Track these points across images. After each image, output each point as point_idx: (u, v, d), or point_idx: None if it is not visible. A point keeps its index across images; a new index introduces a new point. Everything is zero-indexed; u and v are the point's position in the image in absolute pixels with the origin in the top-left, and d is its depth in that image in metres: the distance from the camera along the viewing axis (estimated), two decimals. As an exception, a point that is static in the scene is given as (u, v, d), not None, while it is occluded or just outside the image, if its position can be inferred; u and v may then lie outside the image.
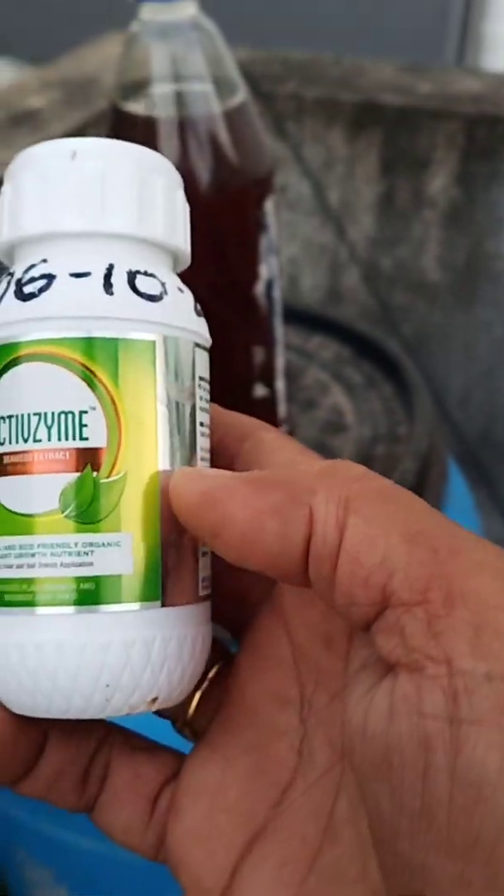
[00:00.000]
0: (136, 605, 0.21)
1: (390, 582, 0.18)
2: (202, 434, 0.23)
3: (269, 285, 0.47)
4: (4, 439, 0.21)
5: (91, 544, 0.20)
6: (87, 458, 0.21)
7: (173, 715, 0.24)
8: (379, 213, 0.88)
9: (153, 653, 0.21)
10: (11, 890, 0.67)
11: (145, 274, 0.22)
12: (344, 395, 0.58)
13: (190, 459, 0.22)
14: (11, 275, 0.22)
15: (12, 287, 0.21)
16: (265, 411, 0.50)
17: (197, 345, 0.23)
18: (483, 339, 0.90)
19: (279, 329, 0.49)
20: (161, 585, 0.21)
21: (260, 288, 0.46)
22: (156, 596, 0.21)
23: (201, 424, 0.23)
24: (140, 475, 0.21)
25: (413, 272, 0.89)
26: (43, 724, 0.22)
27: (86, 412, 0.21)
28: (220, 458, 0.24)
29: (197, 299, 0.45)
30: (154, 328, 0.21)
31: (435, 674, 0.17)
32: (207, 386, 0.23)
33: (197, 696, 0.24)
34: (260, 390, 0.49)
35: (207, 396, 0.23)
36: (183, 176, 0.41)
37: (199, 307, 0.23)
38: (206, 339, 0.23)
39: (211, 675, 0.24)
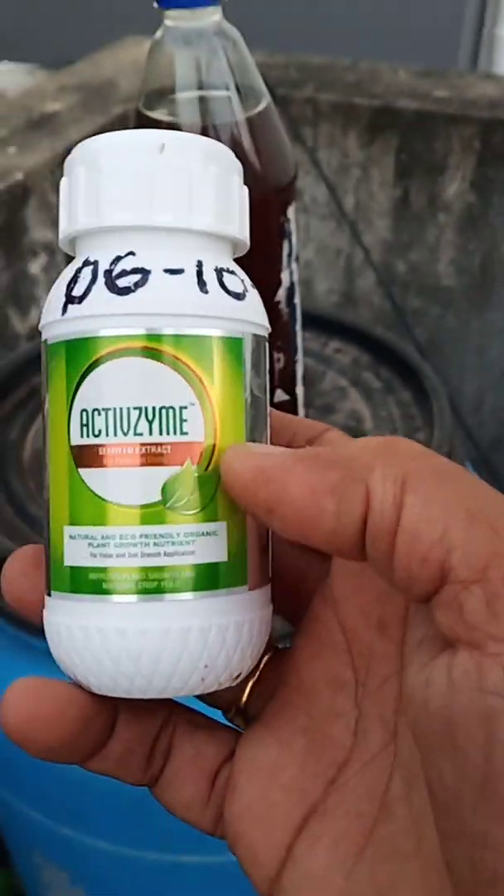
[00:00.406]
0: (229, 591, 0.22)
1: (448, 559, 0.18)
2: (269, 425, 0.23)
3: (291, 292, 0.47)
4: (100, 431, 0.21)
5: (192, 534, 0.21)
6: (188, 452, 0.21)
7: (226, 704, 0.25)
8: (394, 218, 0.88)
9: (243, 635, 0.22)
10: (27, 893, 0.67)
11: (229, 271, 0.22)
12: (362, 400, 0.58)
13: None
14: (91, 263, 0.22)
15: (101, 278, 0.21)
16: (285, 417, 0.50)
17: (266, 339, 0.23)
18: (497, 343, 0.90)
19: (299, 335, 0.50)
20: (247, 571, 0.22)
21: (282, 295, 0.46)
22: (244, 581, 0.22)
23: (268, 415, 0.23)
24: None
25: (427, 276, 0.89)
26: (115, 704, 0.23)
27: (185, 408, 0.21)
28: None
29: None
30: (242, 326, 0.22)
31: (496, 651, 0.17)
32: (268, 376, 0.24)
33: (249, 685, 0.25)
34: (280, 395, 0.49)
35: (267, 385, 0.24)
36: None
37: None
38: (267, 330, 0.24)
39: (262, 664, 0.25)
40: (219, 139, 0.41)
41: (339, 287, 0.93)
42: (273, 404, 0.49)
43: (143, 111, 0.43)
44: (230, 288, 0.22)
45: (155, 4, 0.40)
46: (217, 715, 0.25)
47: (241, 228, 0.23)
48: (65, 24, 1.29)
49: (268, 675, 0.25)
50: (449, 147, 0.83)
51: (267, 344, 0.23)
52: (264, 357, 0.23)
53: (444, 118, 0.82)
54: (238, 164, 0.24)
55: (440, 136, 0.83)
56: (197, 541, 0.21)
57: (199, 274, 0.22)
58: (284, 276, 0.46)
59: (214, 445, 0.22)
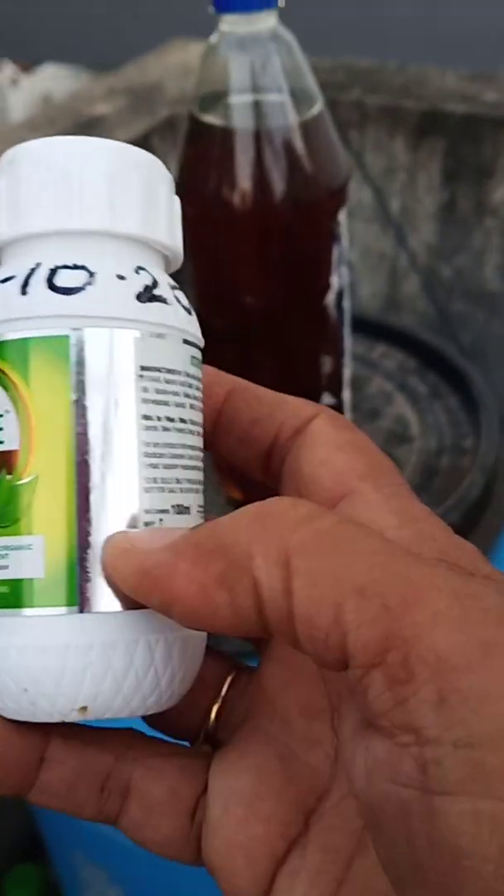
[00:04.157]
0: (50, 610, 0.20)
1: (346, 643, 0.17)
2: (148, 427, 0.21)
3: (340, 296, 0.47)
4: None
5: (6, 547, 0.20)
6: (2, 462, 0.20)
7: (187, 733, 0.24)
8: (440, 222, 0.87)
9: (72, 660, 0.20)
10: (65, 890, 0.68)
11: (73, 267, 0.21)
12: (408, 405, 0.58)
13: (125, 454, 0.21)
14: None
15: None
16: (331, 421, 0.50)
17: (146, 334, 0.21)
18: (542, 349, 0.89)
19: (347, 339, 0.49)
20: (78, 590, 0.20)
21: (330, 298, 0.46)
22: (73, 601, 0.20)
23: (146, 418, 0.21)
24: (54, 476, 0.20)
25: (473, 281, 0.88)
26: (34, 733, 0.22)
27: (1, 416, 0.20)
28: (276, 454, 0.23)
29: (269, 309, 0.45)
30: (69, 322, 0.21)
31: (405, 742, 0.17)
32: (166, 376, 0.21)
33: (215, 709, 0.24)
34: (327, 399, 0.49)
35: (170, 388, 0.22)
36: (259, 187, 0.42)
37: (161, 293, 0.22)
38: (159, 325, 0.21)
39: (224, 688, 0.24)
40: (272, 143, 0.42)
41: (382, 291, 0.92)
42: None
43: (197, 115, 0.43)
44: (60, 284, 0.21)
45: (211, 9, 0.40)
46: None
47: (110, 218, 0.22)
48: (108, 26, 1.30)
49: (234, 698, 0.24)
50: (497, 151, 0.82)
51: (150, 337, 0.21)
52: (132, 351, 0.21)
53: (493, 122, 0.81)
54: (107, 152, 0.22)
55: (488, 140, 0.82)
56: (11, 554, 0.20)
57: (28, 276, 0.21)
58: (334, 280, 0.46)
59: (31, 454, 0.20)
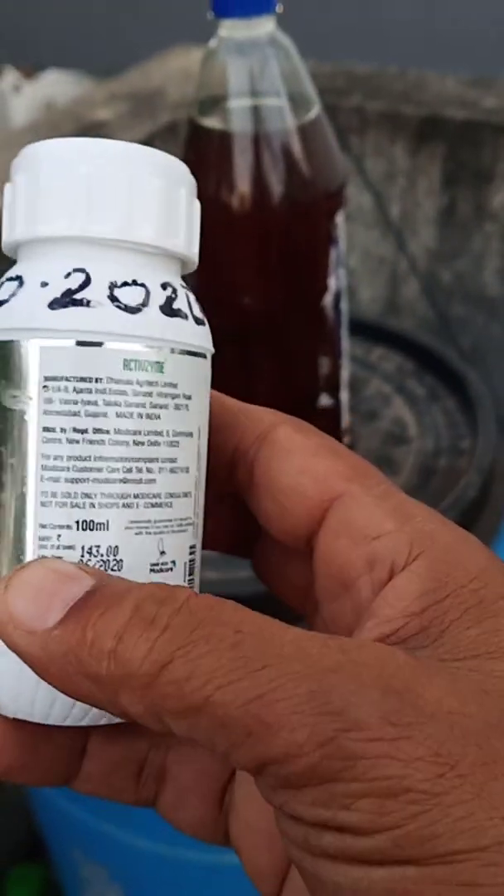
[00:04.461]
0: None
1: (228, 759, 0.18)
2: (49, 440, 0.20)
3: (337, 297, 0.47)
4: None
5: None
6: None
7: None
8: (440, 226, 0.88)
9: None
10: (65, 888, 0.68)
11: (13, 278, 0.21)
12: (406, 407, 0.59)
13: (24, 466, 0.20)
14: None
15: None
16: (329, 421, 0.50)
17: (55, 342, 0.20)
18: (542, 353, 0.89)
19: (345, 340, 0.50)
20: None
21: (328, 300, 0.47)
22: None
23: (47, 430, 0.20)
24: None
25: (472, 285, 0.89)
26: (74, 729, 0.22)
27: None
28: (240, 464, 0.23)
29: (268, 311, 0.46)
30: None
31: (293, 819, 0.18)
32: (77, 385, 0.20)
33: None
34: (325, 400, 0.50)
35: (83, 397, 0.20)
36: (257, 190, 0.42)
37: (87, 296, 0.21)
38: (72, 332, 0.20)
39: None
40: (270, 146, 0.42)
41: (382, 295, 0.93)
42: (317, 409, 0.50)
43: (196, 119, 0.43)
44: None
45: (210, 14, 0.41)
46: None
47: (36, 224, 0.21)
48: (110, 31, 1.31)
49: None
50: (497, 156, 0.83)
51: (63, 347, 0.20)
52: (36, 363, 0.20)
53: (492, 127, 0.82)
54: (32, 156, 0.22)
55: (488, 145, 0.83)
56: None
57: None
58: (331, 282, 0.46)
59: None
